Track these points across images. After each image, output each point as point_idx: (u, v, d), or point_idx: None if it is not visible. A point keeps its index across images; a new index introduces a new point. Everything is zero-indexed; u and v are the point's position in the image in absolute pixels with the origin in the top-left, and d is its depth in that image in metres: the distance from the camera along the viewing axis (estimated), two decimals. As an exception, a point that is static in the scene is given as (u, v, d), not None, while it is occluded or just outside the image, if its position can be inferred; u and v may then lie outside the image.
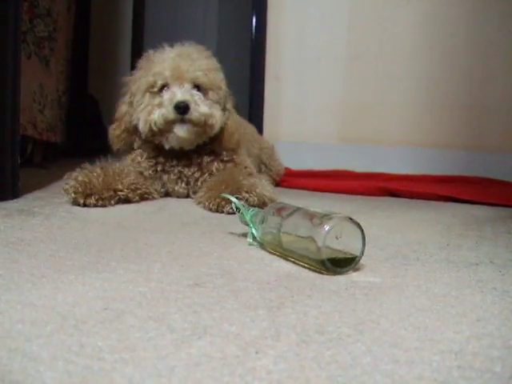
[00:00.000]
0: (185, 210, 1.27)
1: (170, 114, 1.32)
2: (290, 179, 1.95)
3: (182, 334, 0.51)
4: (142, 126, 1.37)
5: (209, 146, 1.44)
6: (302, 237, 0.78)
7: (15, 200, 1.29)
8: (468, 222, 1.24)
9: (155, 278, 0.70)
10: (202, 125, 1.35)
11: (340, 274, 0.74)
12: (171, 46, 1.43)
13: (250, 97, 2.60)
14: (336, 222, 0.74)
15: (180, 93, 1.33)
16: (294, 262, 0.80)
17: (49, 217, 1.10)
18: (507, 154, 2.10)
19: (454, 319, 0.58)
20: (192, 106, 1.32)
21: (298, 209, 0.84)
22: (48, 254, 0.80)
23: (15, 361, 0.44)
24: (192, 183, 1.44)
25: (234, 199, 0.97)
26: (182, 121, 1.33)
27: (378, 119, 2.32)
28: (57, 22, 2.34)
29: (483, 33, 2.15)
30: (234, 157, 1.47)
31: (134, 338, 0.50)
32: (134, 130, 1.44)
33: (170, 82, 1.35)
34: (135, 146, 1.47)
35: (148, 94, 1.37)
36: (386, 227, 1.13)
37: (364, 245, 0.76)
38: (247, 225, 0.92)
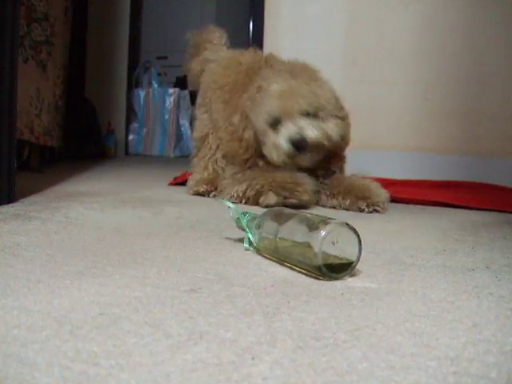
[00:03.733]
0: (181, 215, 1.27)
1: (291, 151, 1.42)
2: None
3: (177, 339, 0.51)
4: (275, 157, 1.46)
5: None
6: (298, 242, 0.78)
7: (11, 204, 1.29)
8: (464, 227, 1.24)
9: (151, 283, 0.70)
10: (322, 146, 1.44)
11: (336, 279, 0.74)
12: (279, 70, 1.53)
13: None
14: (332, 228, 0.74)
15: (294, 128, 1.42)
16: (290, 268, 0.80)
17: (45, 221, 1.10)
18: (505, 159, 2.10)
19: (450, 325, 0.58)
20: (308, 137, 1.41)
21: (294, 214, 0.84)
22: (44, 258, 0.80)
23: (11, 366, 0.44)
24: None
25: (230, 204, 0.97)
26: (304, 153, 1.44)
27: (375, 124, 2.33)
28: (54, 27, 2.34)
29: (481, 37, 2.15)
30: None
31: (130, 344, 0.50)
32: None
33: (282, 119, 1.44)
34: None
35: (268, 128, 1.46)
36: (382, 232, 1.14)
37: (360, 250, 0.76)
38: (243, 230, 0.92)
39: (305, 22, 2.44)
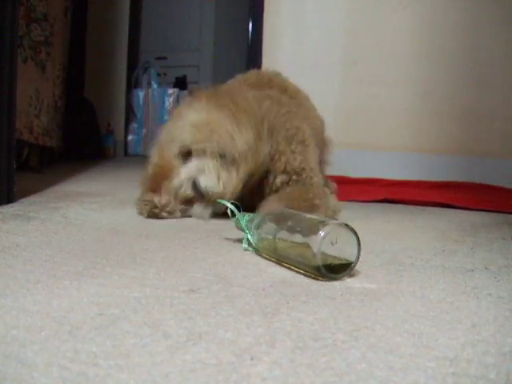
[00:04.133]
0: (181, 215, 1.26)
1: (188, 190, 1.23)
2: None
3: (176, 340, 0.51)
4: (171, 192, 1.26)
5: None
6: (297, 243, 0.78)
7: (10, 204, 1.28)
8: (464, 227, 1.24)
9: (150, 283, 0.70)
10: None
11: (335, 280, 0.74)
12: (203, 97, 1.29)
13: (246, 102, 2.60)
14: (331, 228, 0.74)
15: (200, 171, 1.21)
16: (289, 268, 0.80)
17: (44, 222, 1.10)
18: (505, 159, 2.10)
19: (449, 325, 0.58)
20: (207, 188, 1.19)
21: (293, 215, 0.84)
22: (43, 259, 0.80)
23: (10, 367, 0.44)
24: None
25: (229, 204, 0.97)
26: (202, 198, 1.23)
27: (375, 125, 2.33)
28: (53, 27, 2.34)
29: (480, 38, 2.15)
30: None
31: (129, 344, 0.50)
32: None
33: (193, 152, 1.23)
34: None
35: (179, 155, 1.26)
36: (381, 233, 1.14)
37: (359, 251, 0.76)
38: (243, 230, 0.92)
39: (304, 20, 2.44)
